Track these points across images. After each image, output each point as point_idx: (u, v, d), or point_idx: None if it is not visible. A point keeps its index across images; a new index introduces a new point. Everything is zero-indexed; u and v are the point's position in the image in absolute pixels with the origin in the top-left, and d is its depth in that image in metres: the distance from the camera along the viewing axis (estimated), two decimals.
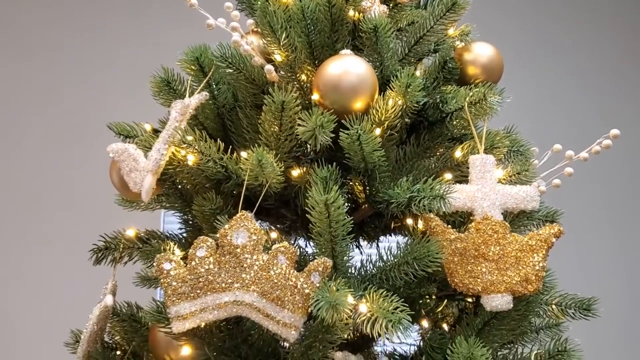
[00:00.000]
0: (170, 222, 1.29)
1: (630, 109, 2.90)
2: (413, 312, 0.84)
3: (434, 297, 1.04)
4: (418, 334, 1.03)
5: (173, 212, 1.28)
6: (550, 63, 2.92)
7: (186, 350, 0.92)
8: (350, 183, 1.11)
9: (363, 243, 1.26)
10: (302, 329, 0.89)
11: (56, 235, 2.38)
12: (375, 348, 1.18)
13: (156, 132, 1.14)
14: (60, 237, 2.36)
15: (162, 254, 0.93)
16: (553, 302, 1.13)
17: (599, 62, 2.94)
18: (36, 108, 2.59)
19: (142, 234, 1.19)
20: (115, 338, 1.15)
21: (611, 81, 2.93)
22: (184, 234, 1.22)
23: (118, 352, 1.16)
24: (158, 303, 0.98)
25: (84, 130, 2.45)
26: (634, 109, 2.91)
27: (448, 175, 1.03)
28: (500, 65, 1.27)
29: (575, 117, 2.74)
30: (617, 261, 2.78)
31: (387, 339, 0.94)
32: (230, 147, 1.05)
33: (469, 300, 1.07)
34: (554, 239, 0.95)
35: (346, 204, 1.06)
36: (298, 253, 0.92)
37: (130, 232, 1.17)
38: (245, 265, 0.90)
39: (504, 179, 1.09)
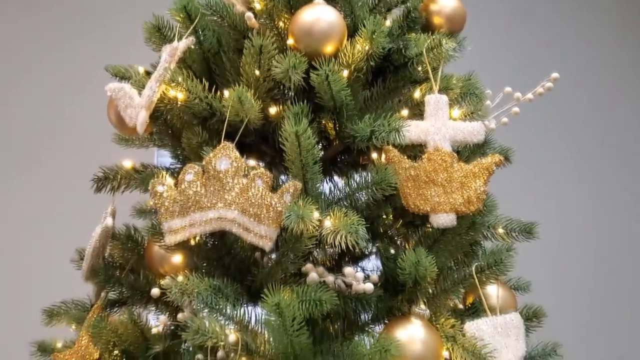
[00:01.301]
0: (162, 162, 1.43)
1: (579, 49, 3.07)
2: (368, 225, 0.99)
3: (390, 217, 1.19)
4: (375, 247, 1.18)
5: (165, 149, 1.42)
6: (512, 17, 3.07)
7: (177, 258, 1.08)
8: (323, 122, 1.25)
9: (336, 178, 1.40)
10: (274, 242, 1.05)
11: (60, 171, 2.53)
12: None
13: (148, 74, 1.26)
14: (63, 173, 2.50)
15: (156, 179, 1.08)
16: (499, 226, 1.29)
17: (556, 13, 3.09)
18: (35, 56, 2.69)
19: (138, 166, 1.32)
20: (115, 258, 1.30)
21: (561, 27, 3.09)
22: (175, 168, 1.36)
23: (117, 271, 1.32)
24: (153, 221, 1.13)
25: (82, 75, 2.55)
26: (583, 50, 3.07)
27: (404, 112, 1.17)
28: (463, 15, 1.39)
29: (530, 64, 2.89)
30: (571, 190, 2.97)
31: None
32: (215, 87, 1.18)
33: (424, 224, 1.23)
34: (494, 167, 1.10)
35: (320, 141, 1.21)
36: (272, 177, 1.06)
37: (127, 164, 1.30)
38: (227, 187, 1.05)
39: (459, 118, 1.23)
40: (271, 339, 0.99)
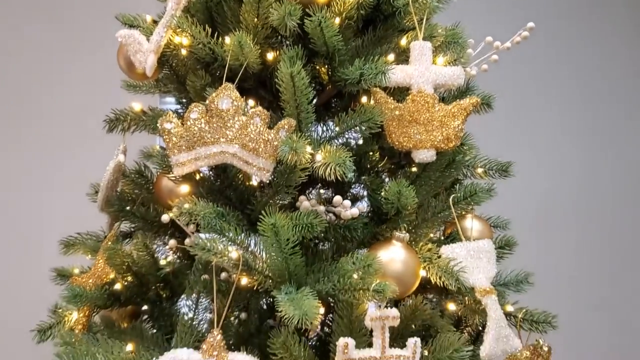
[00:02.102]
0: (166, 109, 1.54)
1: None
2: (356, 157, 1.10)
3: (377, 154, 1.30)
4: (362, 183, 1.30)
5: (169, 94, 1.52)
6: None
7: (185, 188, 1.19)
8: (317, 67, 1.35)
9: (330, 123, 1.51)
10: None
11: (74, 112, 2.63)
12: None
13: (155, 22, 1.36)
14: (77, 113, 2.60)
15: (164, 116, 1.19)
16: (479, 165, 1.40)
17: None
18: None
19: (146, 109, 1.43)
20: (127, 193, 1.42)
21: None
22: (180, 112, 1.47)
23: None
24: (161, 150, 1.24)
25: (93, 26, 2.62)
26: None
27: (391, 57, 1.27)
28: None
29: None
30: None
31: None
32: (216, 34, 1.28)
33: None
34: (471, 107, 1.21)
35: (314, 86, 1.31)
36: (269, 116, 1.17)
37: (137, 106, 1.41)
38: (228, 124, 1.16)
39: (443, 65, 1.33)
40: (268, 258, 1.11)
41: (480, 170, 1.41)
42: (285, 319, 0.99)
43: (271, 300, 1.36)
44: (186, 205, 1.13)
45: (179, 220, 1.23)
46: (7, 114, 2.69)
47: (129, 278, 1.30)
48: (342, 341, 1.03)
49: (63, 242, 1.47)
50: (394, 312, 1.05)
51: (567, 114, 3.08)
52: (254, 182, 1.26)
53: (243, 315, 1.33)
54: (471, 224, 1.29)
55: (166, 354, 1.06)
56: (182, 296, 1.33)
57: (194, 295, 1.27)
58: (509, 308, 1.29)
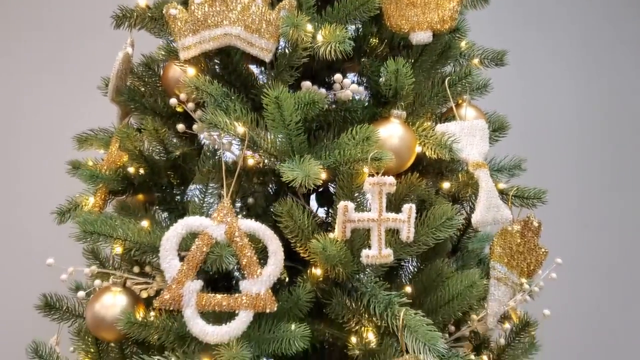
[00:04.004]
0: None
1: None
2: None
3: (376, 39, 1.34)
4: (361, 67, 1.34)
5: None
6: None
7: (191, 71, 1.25)
8: None
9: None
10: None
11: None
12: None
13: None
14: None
15: (169, 4, 1.23)
16: (475, 56, 1.45)
17: None
18: None
19: (150, 5, 1.46)
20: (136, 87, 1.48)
21: None
22: None
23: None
24: (169, 41, 1.29)
25: None
26: None
27: None
28: None
29: None
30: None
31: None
32: None
33: None
34: None
35: None
36: None
37: (142, 2, 1.44)
38: (231, 7, 1.20)
39: None
40: (273, 137, 1.17)
41: (476, 60, 1.45)
42: (289, 182, 1.06)
43: (277, 188, 1.44)
44: (194, 79, 1.19)
45: (185, 105, 1.29)
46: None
47: (141, 165, 1.37)
48: (342, 204, 1.11)
49: (76, 138, 1.54)
50: (390, 179, 1.12)
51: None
52: (256, 68, 1.31)
53: (250, 200, 1.41)
54: (465, 112, 1.34)
55: (179, 221, 1.14)
56: (192, 183, 1.40)
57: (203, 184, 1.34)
58: (501, 185, 1.36)
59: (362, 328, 1.24)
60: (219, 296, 1.11)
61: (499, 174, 1.44)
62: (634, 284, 2.77)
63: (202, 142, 1.47)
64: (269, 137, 1.20)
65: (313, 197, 1.49)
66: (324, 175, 1.09)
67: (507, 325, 1.43)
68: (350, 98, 1.23)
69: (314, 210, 1.41)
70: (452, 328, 1.39)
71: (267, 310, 1.11)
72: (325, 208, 1.48)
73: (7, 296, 2.29)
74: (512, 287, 1.30)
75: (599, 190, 2.78)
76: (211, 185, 1.35)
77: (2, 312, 2.31)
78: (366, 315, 1.21)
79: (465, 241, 1.50)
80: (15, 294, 2.14)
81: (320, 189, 1.49)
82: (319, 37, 1.17)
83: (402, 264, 1.40)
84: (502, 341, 1.39)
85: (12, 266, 2.34)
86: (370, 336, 1.23)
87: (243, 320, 1.11)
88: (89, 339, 1.31)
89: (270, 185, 1.42)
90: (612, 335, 2.74)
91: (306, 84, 1.25)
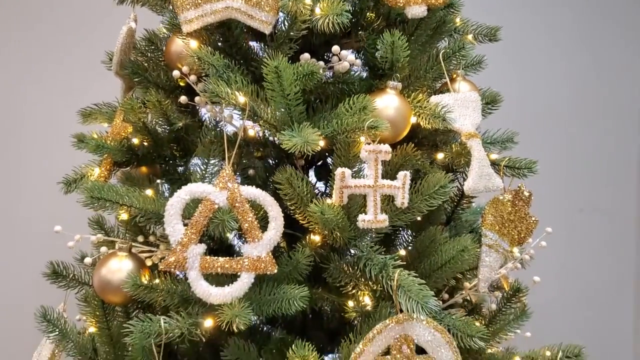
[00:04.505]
0: None
1: None
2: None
3: (373, 14, 1.38)
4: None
5: None
6: None
7: (193, 43, 1.28)
8: None
9: None
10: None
11: None
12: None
13: None
14: None
15: None
16: (468, 31, 1.49)
17: None
18: None
19: None
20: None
21: None
22: None
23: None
24: (171, 16, 1.33)
25: None
26: None
27: None
28: None
29: None
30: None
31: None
32: None
33: None
34: None
35: None
36: None
37: None
38: None
39: None
40: (273, 108, 1.22)
41: (469, 36, 1.49)
42: (288, 151, 1.10)
43: (277, 161, 1.49)
44: (197, 50, 1.23)
45: (188, 78, 1.33)
46: None
47: (145, 137, 1.42)
48: (339, 170, 1.15)
49: (80, 112, 1.58)
50: (386, 146, 1.17)
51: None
52: (256, 43, 1.35)
53: (251, 172, 1.45)
54: (458, 87, 1.39)
55: (183, 188, 1.18)
56: (194, 155, 1.45)
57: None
58: (493, 156, 1.41)
59: (359, 292, 1.29)
60: (221, 259, 1.16)
61: (491, 146, 1.48)
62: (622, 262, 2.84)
63: (203, 116, 1.51)
64: (268, 109, 1.25)
65: (312, 172, 1.54)
66: (322, 143, 1.13)
67: (498, 293, 1.48)
68: (348, 68, 1.27)
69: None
70: (446, 296, 1.44)
71: (268, 272, 1.16)
72: (324, 182, 1.52)
73: (13, 268, 2.35)
74: (503, 254, 1.35)
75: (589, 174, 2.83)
76: (212, 158, 1.39)
77: (8, 284, 2.37)
78: (362, 279, 1.26)
79: (459, 212, 1.55)
80: (20, 265, 2.19)
81: (319, 162, 1.53)
82: (317, 10, 1.21)
83: (397, 232, 1.45)
84: (494, 307, 1.45)
85: (19, 236, 2.39)
86: (367, 300, 1.29)
87: (245, 282, 1.16)
88: (96, 303, 1.35)
89: (270, 159, 1.47)
90: (601, 311, 2.81)
91: (305, 55, 1.29)
